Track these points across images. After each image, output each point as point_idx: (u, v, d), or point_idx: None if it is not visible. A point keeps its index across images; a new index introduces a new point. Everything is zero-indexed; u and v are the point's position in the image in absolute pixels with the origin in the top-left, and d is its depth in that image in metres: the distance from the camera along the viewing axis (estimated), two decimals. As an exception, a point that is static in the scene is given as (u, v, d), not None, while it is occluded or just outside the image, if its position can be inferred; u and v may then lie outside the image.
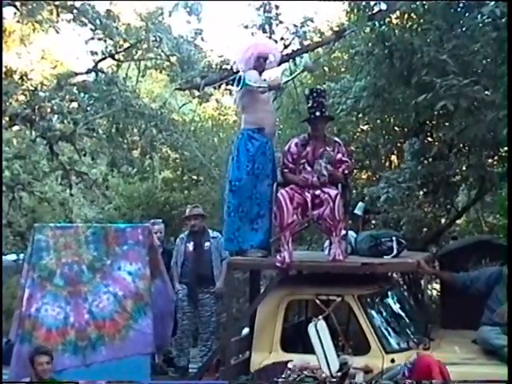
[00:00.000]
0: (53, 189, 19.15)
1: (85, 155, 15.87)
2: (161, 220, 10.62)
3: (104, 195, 17.38)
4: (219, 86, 13.65)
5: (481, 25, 8.65)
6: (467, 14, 9.12)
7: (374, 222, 10.63)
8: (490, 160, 10.01)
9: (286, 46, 11.92)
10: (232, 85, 12.93)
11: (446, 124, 10.05)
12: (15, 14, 14.73)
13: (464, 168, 10.14)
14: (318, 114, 7.78)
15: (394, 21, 9.90)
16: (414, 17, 9.62)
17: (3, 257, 17.12)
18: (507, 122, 7.56)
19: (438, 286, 10.42)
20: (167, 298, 8.76)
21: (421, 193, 10.30)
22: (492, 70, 8.45)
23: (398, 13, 9.68)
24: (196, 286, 9.60)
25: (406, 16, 9.72)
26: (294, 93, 12.54)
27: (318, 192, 7.58)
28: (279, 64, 9.94)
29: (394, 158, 11.84)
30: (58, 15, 14.71)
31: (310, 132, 7.94)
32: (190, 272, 9.67)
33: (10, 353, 8.86)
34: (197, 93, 14.18)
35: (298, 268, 8.01)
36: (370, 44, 9.82)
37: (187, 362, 9.75)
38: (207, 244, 9.70)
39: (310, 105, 7.88)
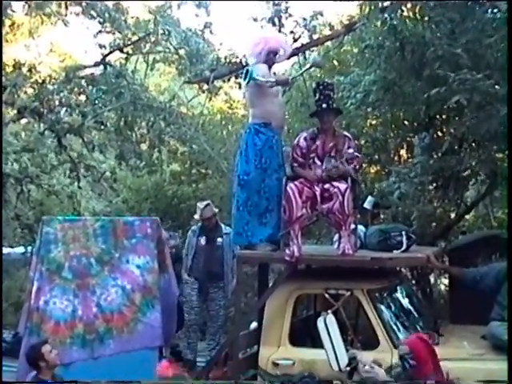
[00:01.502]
0: (61, 182, 19.16)
1: (93, 148, 15.86)
2: (177, 234, 10.51)
3: (112, 188, 17.38)
4: (228, 79, 13.63)
5: (493, 19, 8.57)
6: (478, 8, 9.03)
7: (382, 216, 10.56)
8: (501, 155, 9.92)
9: (295, 40, 11.88)
10: (241, 78, 12.92)
11: (457, 118, 9.98)
12: (24, 6, 14.70)
13: (474, 163, 10.06)
14: (324, 106, 7.74)
15: (406, 13, 9.79)
16: (426, 9, 9.52)
17: (12, 250, 17.18)
18: (507, 122, 7.51)
19: (446, 281, 10.38)
20: (172, 293, 8.74)
21: (431, 187, 10.23)
22: (504, 64, 8.37)
23: (409, 5, 9.57)
24: (206, 280, 9.59)
25: (417, 8, 9.61)
26: (303, 86, 12.50)
27: (327, 186, 7.53)
28: (289, 57, 9.91)
29: (403, 152, 11.79)
30: (66, 8, 14.70)
31: (319, 126, 7.90)
32: (201, 267, 9.65)
33: (17, 346, 8.92)
34: (205, 86, 14.15)
35: (307, 262, 7.97)
36: (380, 37, 9.76)
37: (195, 355, 9.73)
38: (220, 240, 9.70)
39: (317, 98, 7.84)
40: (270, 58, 8.22)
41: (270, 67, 8.19)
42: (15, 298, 12.93)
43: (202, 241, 9.73)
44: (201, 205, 9.88)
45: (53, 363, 7.27)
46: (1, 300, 9.34)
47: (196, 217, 9.92)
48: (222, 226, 9.89)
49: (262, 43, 8.18)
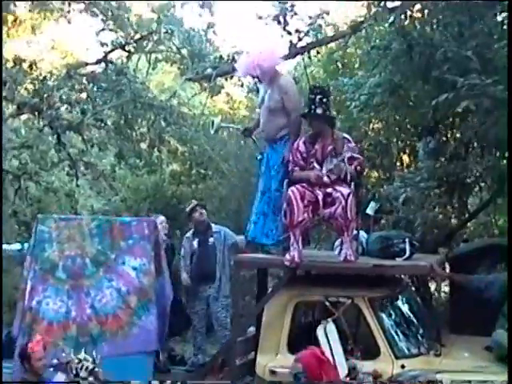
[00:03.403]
0: (60, 179, 19.04)
1: (92, 146, 15.73)
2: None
3: (111, 187, 17.25)
4: (231, 77, 13.47)
5: (502, 22, 8.41)
6: (488, 11, 8.85)
7: (384, 221, 10.39)
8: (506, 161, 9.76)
9: (300, 39, 11.67)
10: (244, 76, 12.79)
11: (463, 123, 9.81)
12: (27, 2, 14.59)
13: (480, 169, 9.89)
14: (319, 111, 7.56)
15: (415, 14, 9.61)
16: (435, 10, 9.35)
17: (8, 246, 17.01)
18: (507, 123, 7.35)
19: (447, 289, 10.22)
20: (166, 296, 8.62)
21: (436, 193, 10.05)
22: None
23: (418, 6, 9.40)
24: (203, 282, 9.46)
25: (426, 10, 9.44)
26: (306, 88, 12.31)
27: (329, 190, 7.37)
28: (294, 56, 9.79)
29: (405, 157, 11.63)
30: (69, 5, 14.58)
31: (310, 130, 7.77)
32: (196, 270, 9.54)
33: (9, 345, 8.77)
34: (207, 84, 14.01)
35: (307, 268, 7.82)
36: (387, 38, 9.60)
37: (204, 358, 9.56)
38: (211, 240, 9.58)
39: (311, 101, 7.64)
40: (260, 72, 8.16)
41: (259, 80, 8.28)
42: (9, 295, 12.74)
43: (195, 243, 9.65)
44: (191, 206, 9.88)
45: (36, 370, 7.05)
46: (1, 300, 9.20)
47: (196, 217, 9.86)
48: (213, 225, 9.78)
49: (253, 57, 8.10)
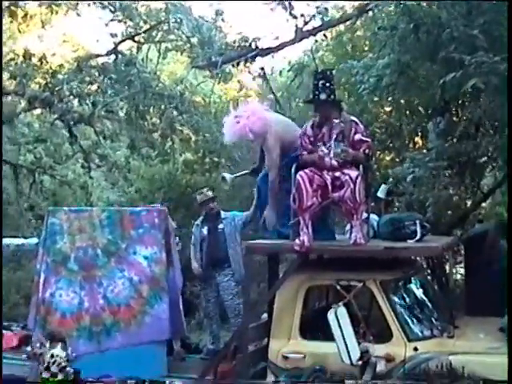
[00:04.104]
0: (75, 172, 19.11)
1: (105, 138, 15.76)
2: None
3: (125, 178, 17.28)
4: (237, 64, 13.40)
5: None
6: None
7: (397, 204, 10.33)
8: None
9: (306, 23, 11.58)
10: (251, 63, 12.75)
11: (473, 102, 9.72)
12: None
13: (491, 149, 9.80)
14: (323, 96, 7.48)
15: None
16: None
17: (25, 240, 17.10)
18: (507, 123, 7.27)
19: (462, 271, 10.16)
20: (177, 285, 8.65)
21: (447, 174, 9.97)
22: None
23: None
24: (213, 269, 9.44)
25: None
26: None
27: (338, 174, 7.30)
28: (300, 41, 9.69)
29: (417, 139, 11.54)
30: (77, -2, 14.63)
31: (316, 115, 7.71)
32: (206, 257, 9.51)
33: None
34: (216, 73, 13.96)
35: (317, 252, 7.76)
36: (394, 18, 9.50)
37: (218, 345, 9.54)
38: (221, 226, 9.54)
39: (315, 87, 7.57)
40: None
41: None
42: (27, 289, 12.82)
43: (205, 231, 9.60)
44: (199, 191, 9.83)
45: None
46: (1, 298, 9.22)
47: (199, 201, 9.86)
48: (222, 212, 9.74)
49: (242, 122, 8.12)
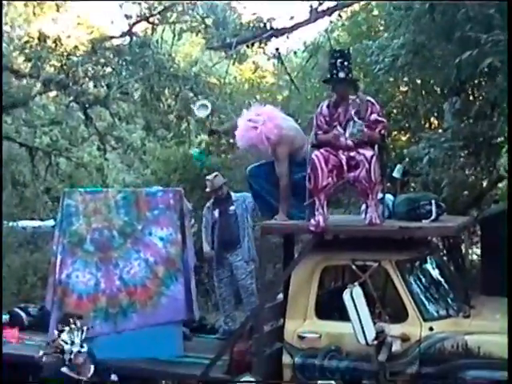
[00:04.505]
0: (91, 154, 19.19)
1: (120, 120, 15.80)
2: None
3: (141, 160, 17.34)
4: (252, 45, 13.36)
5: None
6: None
7: (412, 184, 10.30)
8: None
9: (320, 3, 11.53)
10: (266, 43, 12.72)
11: (489, 82, 9.64)
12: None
13: (507, 128, 9.72)
14: (341, 75, 7.44)
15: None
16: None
17: (42, 223, 17.22)
18: (507, 122, 7.20)
19: (478, 251, 10.12)
20: (190, 265, 8.63)
21: (463, 154, 9.92)
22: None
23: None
24: (225, 251, 9.43)
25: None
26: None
27: (353, 153, 7.26)
28: (314, 21, 9.64)
29: (433, 119, 11.49)
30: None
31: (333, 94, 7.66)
32: (218, 239, 9.51)
33: (42, 319, 8.91)
34: (230, 52, 13.95)
35: (333, 232, 7.72)
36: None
37: (233, 325, 9.55)
38: (232, 208, 9.52)
39: (332, 66, 7.53)
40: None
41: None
42: (44, 271, 12.90)
43: (216, 213, 9.56)
44: (210, 177, 9.73)
45: None
46: (1, 297, 9.28)
47: (207, 190, 9.74)
48: (233, 194, 9.71)
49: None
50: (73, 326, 6.62)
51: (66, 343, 6.54)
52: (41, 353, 7.28)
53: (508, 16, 7.52)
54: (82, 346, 6.52)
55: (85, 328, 6.80)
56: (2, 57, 13.43)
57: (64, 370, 6.71)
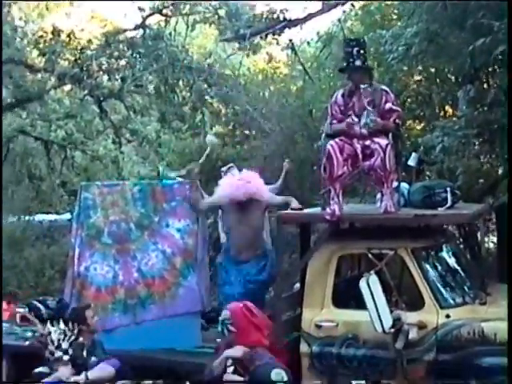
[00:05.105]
0: (106, 147, 19.25)
1: (134, 112, 15.85)
2: None
3: (156, 152, 17.39)
4: (266, 36, 13.38)
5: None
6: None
7: (428, 173, 10.29)
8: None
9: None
10: (279, 34, 12.73)
11: (503, 69, 9.61)
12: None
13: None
14: (358, 63, 7.46)
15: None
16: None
17: (58, 216, 17.32)
18: (507, 121, 7.19)
19: (495, 239, 10.11)
20: (205, 256, 8.68)
21: (477, 142, 9.91)
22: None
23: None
24: None
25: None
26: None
27: (368, 142, 7.29)
28: (328, 11, 9.60)
29: (447, 107, 11.47)
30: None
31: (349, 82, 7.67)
32: None
33: (61, 312, 8.95)
34: (245, 45, 13.97)
35: (348, 221, 7.77)
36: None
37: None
38: None
39: (348, 54, 7.53)
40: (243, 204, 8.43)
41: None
42: (61, 264, 13.00)
43: None
44: (224, 168, 9.75)
45: (94, 328, 7.25)
46: (0, 294, 9.35)
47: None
48: None
49: (230, 195, 8.46)
50: (67, 329, 6.58)
51: (53, 343, 6.48)
52: (27, 342, 7.28)
53: (508, 16, 7.52)
54: (66, 353, 6.45)
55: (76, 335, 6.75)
56: (2, 56, 13.47)
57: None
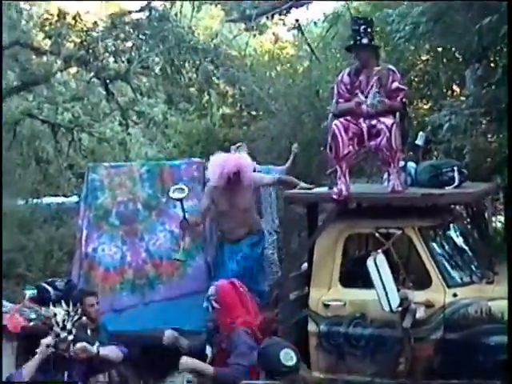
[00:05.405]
0: (113, 129, 19.24)
1: (141, 94, 15.83)
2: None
3: (163, 133, 17.38)
4: (272, 16, 13.35)
5: None
6: None
7: (435, 152, 10.26)
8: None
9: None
10: (285, 15, 12.69)
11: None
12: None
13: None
14: (365, 41, 7.42)
15: None
16: None
17: (66, 199, 17.34)
18: (507, 121, 7.16)
19: (503, 218, 10.08)
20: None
21: (484, 120, 9.86)
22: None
23: None
24: None
25: None
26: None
27: (374, 122, 7.27)
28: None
29: (455, 86, 11.42)
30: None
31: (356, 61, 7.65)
32: None
33: (69, 293, 8.96)
34: (251, 25, 13.94)
35: (355, 200, 7.75)
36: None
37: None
38: None
39: (355, 32, 7.50)
40: (232, 180, 8.16)
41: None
42: (69, 245, 13.03)
43: None
44: (234, 147, 9.74)
45: (92, 316, 7.15)
46: (0, 293, 9.35)
47: None
48: (257, 166, 9.69)
49: (221, 167, 8.12)
50: (70, 309, 6.58)
51: (58, 325, 6.48)
52: (31, 324, 7.31)
53: (508, 16, 7.48)
54: (70, 333, 6.46)
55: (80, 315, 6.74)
56: (2, 56, 13.46)
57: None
